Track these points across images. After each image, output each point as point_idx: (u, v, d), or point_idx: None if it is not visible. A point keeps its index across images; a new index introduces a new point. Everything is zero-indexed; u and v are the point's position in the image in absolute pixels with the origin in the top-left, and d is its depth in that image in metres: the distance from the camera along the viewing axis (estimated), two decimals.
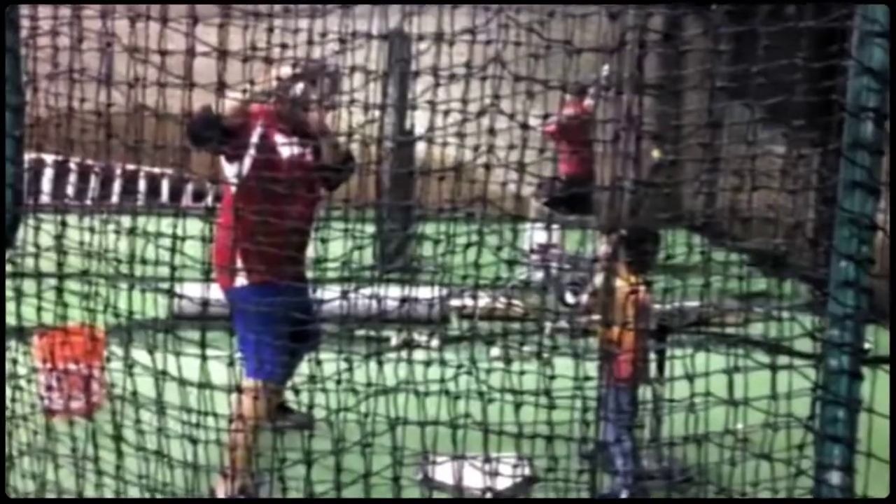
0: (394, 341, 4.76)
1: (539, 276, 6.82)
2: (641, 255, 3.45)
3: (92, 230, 2.97)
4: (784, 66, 2.48)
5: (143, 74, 2.70)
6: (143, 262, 2.81)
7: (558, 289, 6.67)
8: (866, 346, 2.27)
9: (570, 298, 6.56)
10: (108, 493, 2.89)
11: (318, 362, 2.78)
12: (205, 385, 2.70)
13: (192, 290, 2.88)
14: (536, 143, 2.76)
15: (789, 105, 2.52)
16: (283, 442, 2.74)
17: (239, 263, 3.43)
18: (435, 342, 4.96)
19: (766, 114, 2.62)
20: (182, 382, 2.71)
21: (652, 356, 3.53)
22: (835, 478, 2.18)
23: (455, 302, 5.63)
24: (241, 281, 3.51)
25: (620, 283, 3.29)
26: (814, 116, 2.49)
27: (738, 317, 4.38)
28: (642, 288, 3.20)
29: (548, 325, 4.41)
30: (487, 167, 2.69)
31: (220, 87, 2.67)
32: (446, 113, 2.78)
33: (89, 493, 2.94)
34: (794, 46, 2.43)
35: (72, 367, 3.49)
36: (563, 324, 4.99)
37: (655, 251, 3.49)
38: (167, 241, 2.75)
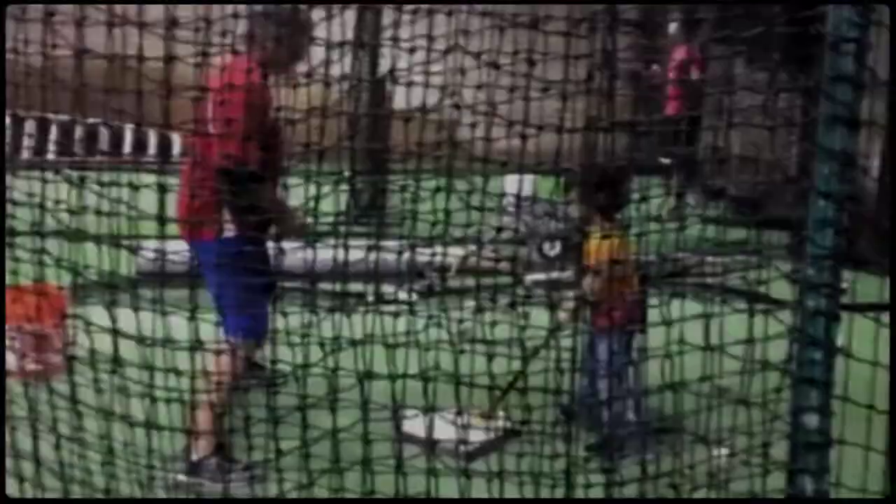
0: (369, 297, 4.66)
1: (517, 226, 6.73)
2: (613, 198, 3.35)
3: (52, 182, 2.83)
4: None
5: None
6: (107, 215, 2.68)
7: (536, 240, 6.58)
8: (843, 286, 2.22)
9: (547, 250, 6.49)
10: (66, 454, 2.81)
11: (284, 314, 2.69)
12: (190, 346, 2.60)
13: (155, 246, 2.75)
14: (507, 83, 2.63)
15: (768, 37, 2.43)
16: (248, 399, 2.66)
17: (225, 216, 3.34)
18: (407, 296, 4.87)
19: (745, 47, 2.53)
20: (143, 341, 2.61)
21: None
22: (812, 421, 2.15)
23: (427, 255, 5.50)
24: (227, 233, 3.39)
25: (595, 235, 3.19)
26: (792, 49, 2.40)
27: (716, 267, 4.33)
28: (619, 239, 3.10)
29: (527, 279, 4.34)
30: (458, 107, 2.58)
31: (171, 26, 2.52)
32: (412, 51, 2.64)
33: (49, 455, 2.85)
34: None
35: (28, 327, 3.39)
36: (541, 276, 4.93)
37: (627, 191, 3.38)
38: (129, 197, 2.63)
